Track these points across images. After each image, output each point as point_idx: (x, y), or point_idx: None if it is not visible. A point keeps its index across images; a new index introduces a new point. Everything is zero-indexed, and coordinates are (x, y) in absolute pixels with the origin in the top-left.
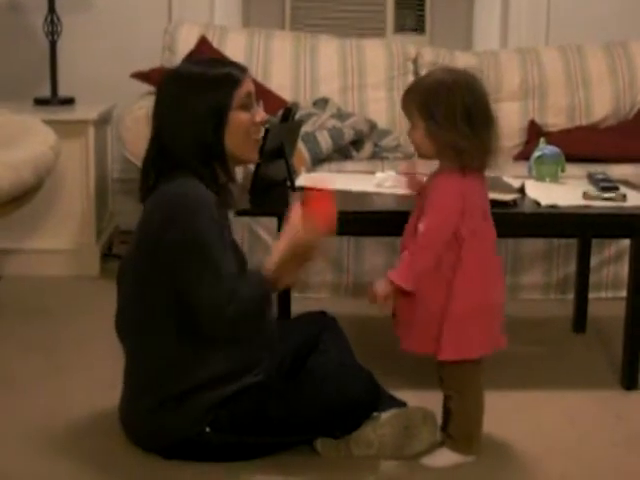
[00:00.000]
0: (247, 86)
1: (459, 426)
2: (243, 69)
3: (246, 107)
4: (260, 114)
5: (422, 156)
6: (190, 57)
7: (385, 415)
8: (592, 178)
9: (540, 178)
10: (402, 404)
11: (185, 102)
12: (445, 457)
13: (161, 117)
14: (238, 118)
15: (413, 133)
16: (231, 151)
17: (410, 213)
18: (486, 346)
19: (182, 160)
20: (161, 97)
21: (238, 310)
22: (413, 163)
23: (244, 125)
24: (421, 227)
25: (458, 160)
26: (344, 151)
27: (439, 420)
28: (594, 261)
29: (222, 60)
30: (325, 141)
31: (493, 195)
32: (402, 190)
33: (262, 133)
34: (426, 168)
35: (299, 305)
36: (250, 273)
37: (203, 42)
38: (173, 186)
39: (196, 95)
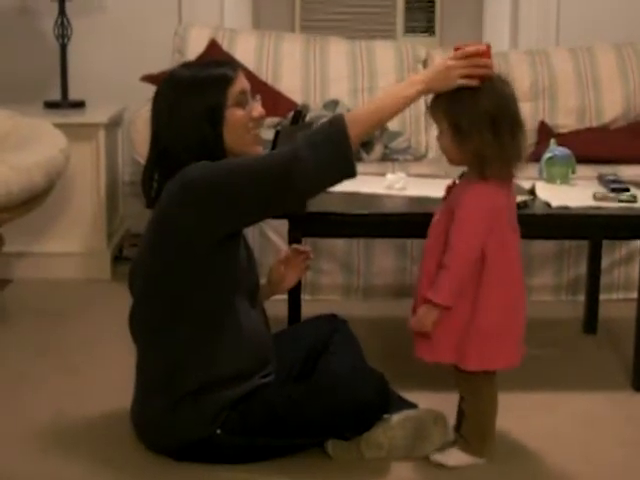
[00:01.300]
0: (240, 84)
1: (472, 428)
2: (235, 68)
3: (241, 104)
4: (257, 109)
5: (451, 162)
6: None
7: (396, 417)
8: (603, 179)
9: (551, 179)
10: (413, 406)
11: (180, 105)
12: (456, 457)
13: (159, 122)
14: (235, 115)
15: (441, 139)
16: (232, 148)
17: (430, 215)
18: (510, 358)
19: (185, 162)
20: (157, 103)
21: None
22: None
23: (241, 121)
24: (452, 242)
25: (482, 169)
26: (354, 153)
27: (451, 421)
28: (605, 262)
29: (215, 61)
30: None
31: None
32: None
33: (262, 127)
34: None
35: (310, 308)
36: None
37: (213, 45)
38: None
39: (191, 97)
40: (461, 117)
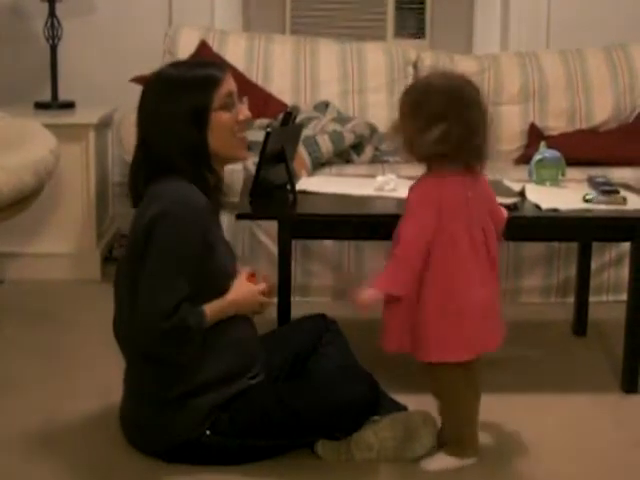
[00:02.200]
0: (227, 85)
1: (448, 430)
2: (223, 68)
3: (228, 107)
4: (243, 112)
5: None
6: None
7: (386, 419)
8: (592, 182)
9: (540, 182)
10: (403, 408)
11: (165, 106)
12: (441, 461)
13: (144, 122)
14: (220, 118)
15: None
16: (217, 151)
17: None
18: (468, 349)
19: (170, 163)
20: (143, 102)
21: (174, 327)
22: None
23: (227, 125)
24: (398, 232)
25: (433, 163)
26: (344, 155)
27: (439, 424)
28: (595, 264)
29: (202, 61)
30: (326, 145)
31: None
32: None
33: (249, 129)
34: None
35: (299, 309)
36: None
37: (203, 46)
38: (168, 191)
39: (175, 98)
40: (418, 114)
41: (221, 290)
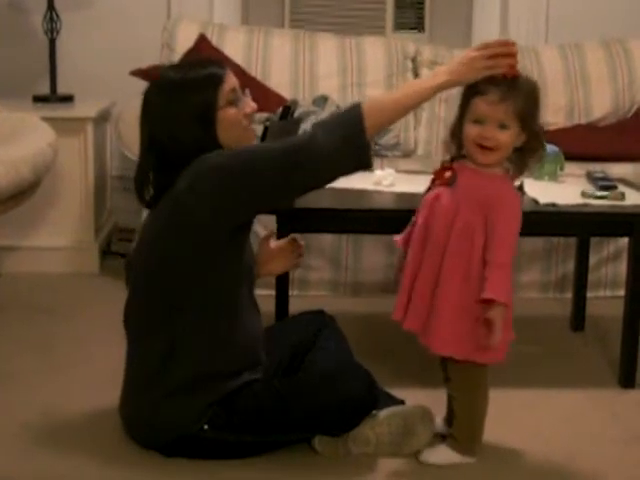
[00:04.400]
0: (230, 82)
1: (463, 428)
2: (222, 66)
3: (233, 102)
4: (249, 105)
5: (490, 159)
6: (188, 56)
7: (383, 413)
8: (591, 177)
9: (539, 177)
10: (400, 402)
11: (172, 109)
12: (445, 455)
13: (152, 126)
14: (228, 115)
15: (501, 134)
16: (228, 146)
17: (412, 211)
18: (504, 350)
19: (182, 164)
20: (147, 107)
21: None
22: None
23: (235, 120)
24: (503, 238)
25: (524, 164)
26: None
27: (438, 418)
28: (593, 260)
29: (200, 61)
30: None
31: None
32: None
33: (254, 120)
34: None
35: (297, 304)
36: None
37: (202, 40)
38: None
39: (181, 101)
40: (532, 116)
41: (243, 281)
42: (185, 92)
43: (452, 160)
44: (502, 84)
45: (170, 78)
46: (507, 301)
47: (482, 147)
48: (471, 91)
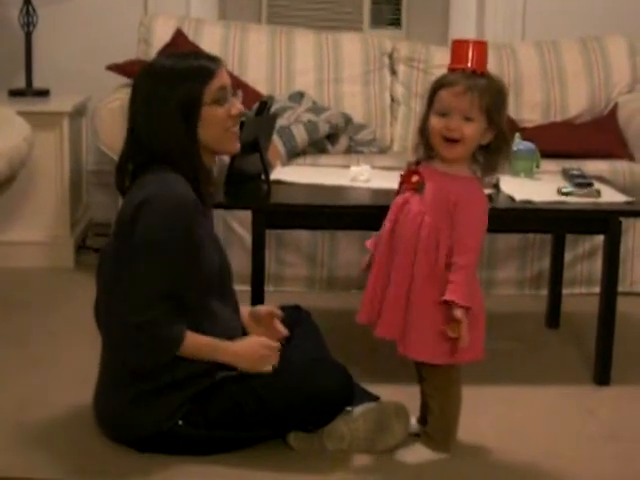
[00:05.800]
0: (220, 79)
1: (438, 424)
2: (217, 61)
3: (220, 101)
4: (236, 107)
5: (454, 154)
6: (165, 50)
7: (358, 409)
8: (567, 174)
9: (515, 173)
10: (375, 398)
11: (156, 97)
12: (419, 453)
13: (135, 112)
14: (213, 113)
15: (465, 126)
16: (209, 144)
17: (388, 207)
18: (482, 347)
19: (159, 154)
20: (135, 92)
21: (145, 323)
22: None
23: (219, 120)
24: (466, 241)
25: (493, 163)
26: (319, 145)
27: (414, 418)
28: (568, 257)
29: (196, 53)
30: (300, 135)
31: None
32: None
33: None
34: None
35: (273, 299)
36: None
37: (179, 35)
38: (155, 180)
39: (167, 89)
40: (499, 113)
41: (205, 287)
42: (173, 80)
43: (417, 163)
44: (469, 77)
45: (161, 64)
46: (469, 302)
47: (447, 140)
48: (437, 84)
